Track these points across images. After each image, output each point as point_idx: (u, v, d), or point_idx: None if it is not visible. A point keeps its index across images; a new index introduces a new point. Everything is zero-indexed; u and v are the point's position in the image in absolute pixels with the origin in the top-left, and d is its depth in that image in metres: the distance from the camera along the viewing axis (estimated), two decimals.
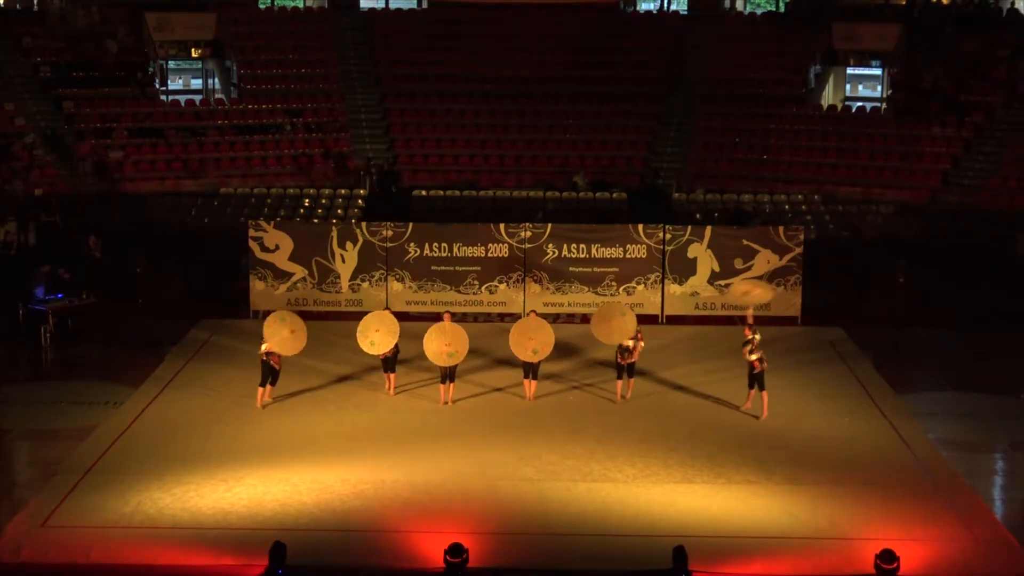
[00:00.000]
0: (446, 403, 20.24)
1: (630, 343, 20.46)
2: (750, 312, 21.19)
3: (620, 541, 15.22)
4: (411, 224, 25.97)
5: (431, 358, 20.28)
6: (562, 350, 22.97)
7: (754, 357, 19.86)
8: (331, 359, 22.35)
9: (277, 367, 20.11)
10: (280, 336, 20.21)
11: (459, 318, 25.35)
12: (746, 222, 30.33)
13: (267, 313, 25.31)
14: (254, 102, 38.04)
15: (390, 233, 25.68)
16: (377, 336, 20.38)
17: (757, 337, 20.03)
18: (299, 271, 25.62)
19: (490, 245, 25.63)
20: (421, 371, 21.40)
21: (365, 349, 20.52)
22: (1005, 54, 37.45)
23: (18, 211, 30.55)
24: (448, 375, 20.28)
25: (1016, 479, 18.23)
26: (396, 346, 20.54)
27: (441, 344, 20.14)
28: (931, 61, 37.94)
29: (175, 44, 39.79)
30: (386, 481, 17.00)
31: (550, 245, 25.62)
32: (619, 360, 20.56)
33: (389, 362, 20.61)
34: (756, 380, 19.96)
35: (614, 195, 34.59)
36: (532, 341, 20.46)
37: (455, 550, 13.29)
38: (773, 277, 25.52)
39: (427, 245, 25.59)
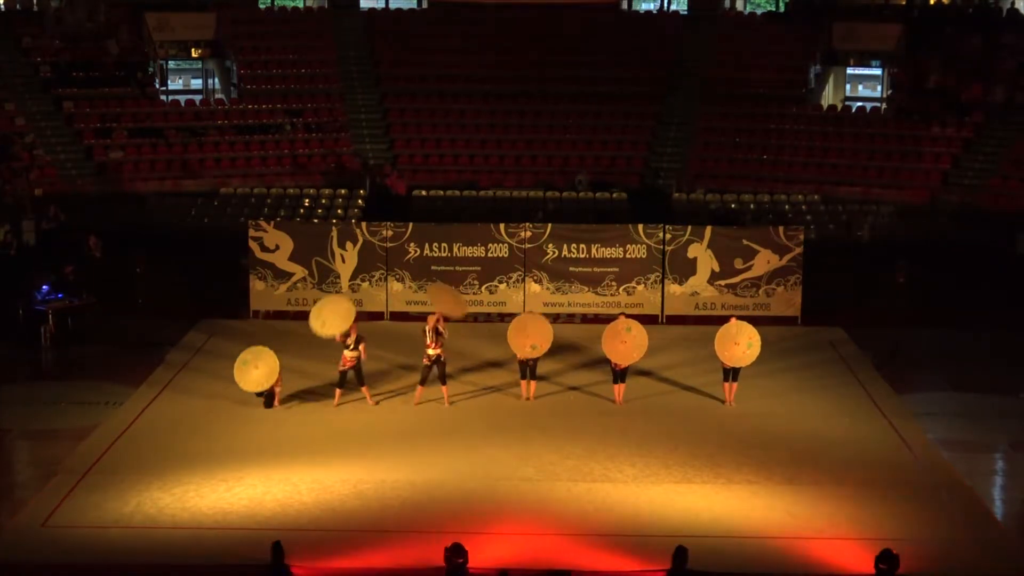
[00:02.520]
0: (449, 403, 20.26)
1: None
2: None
3: (620, 541, 15.21)
4: (411, 224, 25.97)
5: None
6: (562, 350, 22.99)
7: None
8: (331, 359, 22.32)
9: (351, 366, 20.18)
10: (250, 377, 19.91)
11: (459, 318, 25.54)
12: (733, 222, 30.34)
13: (267, 314, 25.59)
14: (254, 102, 38.04)
15: (390, 233, 25.68)
16: (330, 317, 20.18)
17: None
18: (299, 271, 25.63)
19: (490, 245, 25.63)
20: (419, 373, 21.38)
21: (315, 330, 20.25)
22: (1005, 54, 37.46)
23: (17, 212, 30.57)
24: (426, 378, 20.18)
25: (1016, 479, 18.23)
26: (359, 358, 20.16)
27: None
28: (931, 61, 37.94)
29: (175, 44, 39.79)
30: (386, 481, 17.01)
31: (550, 245, 25.62)
32: (613, 366, 20.52)
33: (359, 374, 20.29)
34: (733, 372, 20.35)
35: (614, 195, 34.59)
36: (530, 338, 20.43)
37: (455, 550, 13.29)
38: (773, 277, 25.53)
39: (427, 245, 25.59)
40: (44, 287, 24.47)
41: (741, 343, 20.18)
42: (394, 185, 34.77)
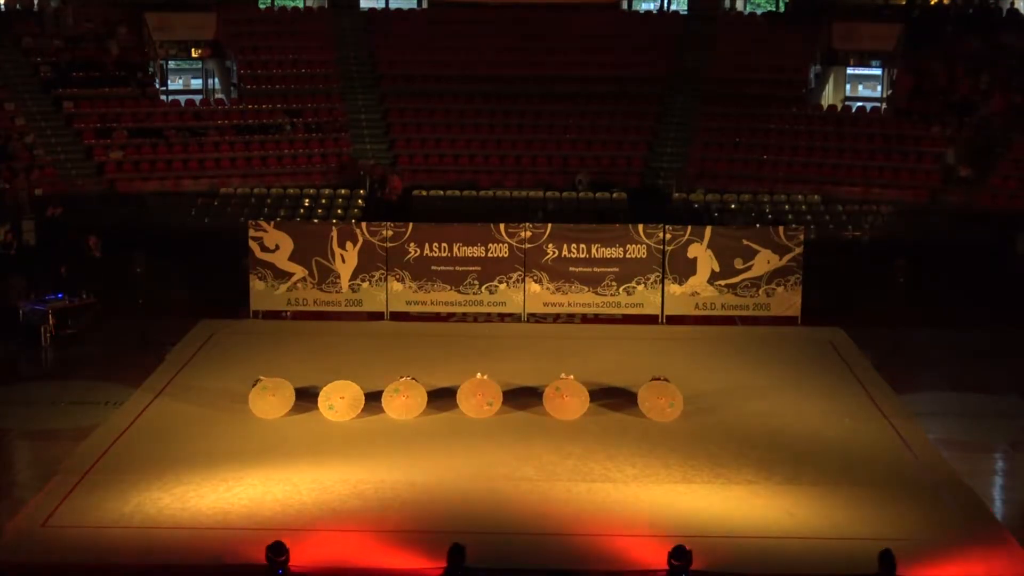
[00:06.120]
0: None
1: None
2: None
3: (620, 541, 15.21)
4: (411, 224, 25.96)
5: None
6: (561, 351, 23.01)
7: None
8: (331, 359, 22.35)
9: None
10: (264, 402, 19.66)
11: (459, 318, 25.55)
12: (731, 221, 30.37)
13: (267, 315, 25.60)
14: (254, 102, 38.07)
15: (390, 233, 25.68)
16: (340, 403, 19.58)
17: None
18: (299, 271, 25.62)
19: (490, 245, 25.61)
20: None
21: (323, 413, 19.65)
22: (1005, 54, 37.48)
23: (17, 212, 30.60)
24: None
25: (1016, 479, 18.22)
26: None
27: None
28: (932, 61, 37.95)
29: (175, 44, 39.87)
30: (386, 481, 17.00)
31: (550, 245, 25.61)
32: None
33: None
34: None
35: (614, 195, 34.62)
36: (484, 396, 19.91)
37: (453, 550, 13.29)
38: (773, 277, 25.53)
39: (427, 245, 25.58)
40: (46, 296, 24.56)
41: (665, 398, 19.73)
42: (393, 192, 34.76)
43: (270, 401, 19.64)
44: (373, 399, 19.89)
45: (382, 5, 43.50)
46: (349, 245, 25.60)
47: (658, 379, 20.03)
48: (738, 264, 25.56)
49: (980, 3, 41.11)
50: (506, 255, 25.60)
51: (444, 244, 25.59)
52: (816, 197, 34.21)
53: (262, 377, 20.07)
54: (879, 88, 40.87)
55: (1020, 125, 35.20)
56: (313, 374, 20.93)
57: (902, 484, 17.20)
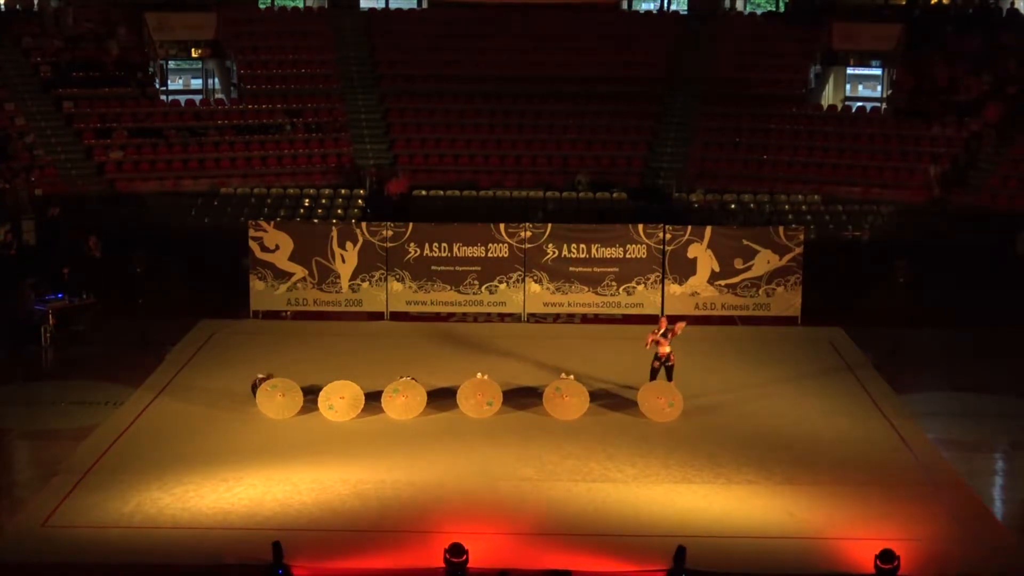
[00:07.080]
0: None
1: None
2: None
3: (620, 541, 15.22)
4: (411, 224, 25.96)
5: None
6: (561, 351, 23.00)
7: (667, 350, 20.10)
8: (331, 359, 22.35)
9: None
10: (273, 402, 19.68)
11: (459, 318, 25.56)
12: (729, 221, 30.32)
13: (267, 315, 25.59)
14: (254, 102, 38.05)
15: (390, 233, 25.68)
16: (340, 403, 19.61)
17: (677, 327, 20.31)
18: (299, 271, 25.62)
19: (490, 245, 25.62)
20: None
21: (323, 413, 19.68)
22: (1005, 54, 37.47)
23: (17, 212, 30.58)
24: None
25: (1016, 479, 18.23)
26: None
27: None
28: (931, 61, 37.94)
29: (175, 44, 39.85)
30: (386, 481, 17.01)
31: (550, 245, 25.62)
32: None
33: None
34: (668, 372, 20.24)
35: (614, 195, 34.61)
36: (484, 396, 19.95)
37: (455, 550, 13.30)
38: (773, 277, 25.52)
39: (427, 245, 25.58)
40: (46, 296, 24.54)
41: (665, 398, 19.84)
42: (394, 189, 34.75)
43: (279, 401, 19.66)
44: (373, 399, 19.91)
45: (382, 5, 43.49)
46: (349, 245, 25.60)
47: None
48: (738, 264, 25.57)
49: (980, 3, 41.09)
50: (506, 255, 25.60)
51: (444, 244, 25.60)
52: (816, 197, 34.19)
53: (261, 375, 20.11)
54: (879, 88, 40.86)
55: (1020, 125, 35.17)
56: (313, 374, 20.93)
57: (902, 484, 17.21)
